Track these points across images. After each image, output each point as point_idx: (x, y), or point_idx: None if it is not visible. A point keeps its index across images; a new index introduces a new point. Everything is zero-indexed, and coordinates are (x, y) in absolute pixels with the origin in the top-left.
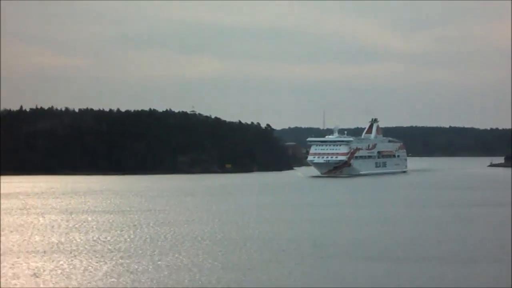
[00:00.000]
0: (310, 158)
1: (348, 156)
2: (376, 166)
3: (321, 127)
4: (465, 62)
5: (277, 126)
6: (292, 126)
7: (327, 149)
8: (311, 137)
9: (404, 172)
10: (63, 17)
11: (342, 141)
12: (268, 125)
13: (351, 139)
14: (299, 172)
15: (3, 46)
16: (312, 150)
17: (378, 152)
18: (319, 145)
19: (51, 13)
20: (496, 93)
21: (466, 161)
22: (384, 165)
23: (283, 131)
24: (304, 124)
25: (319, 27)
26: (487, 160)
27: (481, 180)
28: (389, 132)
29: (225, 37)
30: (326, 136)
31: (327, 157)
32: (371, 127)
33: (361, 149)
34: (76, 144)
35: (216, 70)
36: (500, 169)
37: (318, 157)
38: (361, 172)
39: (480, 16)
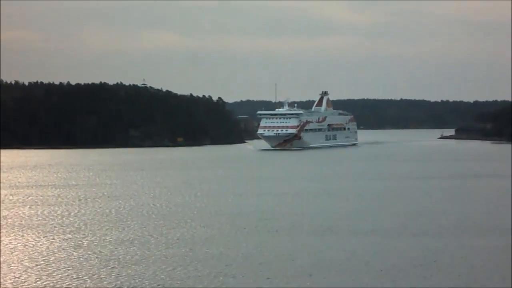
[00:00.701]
0: (260, 131)
1: (298, 129)
2: (326, 139)
3: (273, 100)
4: (416, 34)
5: (229, 99)
6: (244, 99)
7: (277, 122)
8: (262, 110)
9: (354, 144)
10: None
11: (292, 114)
12: (219, 98)
13: (301, 112)
14: (250, 146)
15: None
16: (262, 123)
17: (328, 125)
18: (269, 118)
19: None
20: (447, 65)
21: (417, 134)
22: (334, 137)
23: (236, 104)
24: (256, 98)
25: (274, 1)
26: (438, 132)
27: (429, 152)
28: (340, 105)
29: (177, 11)
30: (276, 109)
31: (277, 130)
32: (321, 100)
33: (311, 122)
34: (26, 118)
35: (167, 43)
36: (451, 141)
37: (268, 130)
38: (311, 145)
39: None
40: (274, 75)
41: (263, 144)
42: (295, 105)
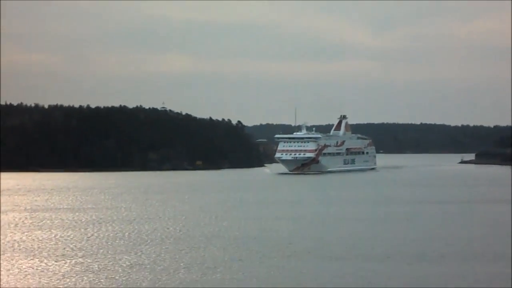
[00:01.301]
0: (277, 155)
1: (316, 153)
2: (345, 163)
3: (293, 124)
4: (436, 59)
5: (248, 123)
6: (264, 123)
7: (295, 146)
8: (279, 133)
9: (373, 169)
10: (33, 14)
11: (310, 138)
12: (239, 121)
13: (319, 135)
14: (268, 169)
15: None
16: (280, 147)
17: (347, 149)
18: (287, 142)
19: (21, 9)
20: (467, 90)
21: (437, 158)
22: (353, 162)
23: (255, 127)
24: (276, 121)
25: (292, 25)
26: (458, 157)
27: (450, 177)
28: (359, 129)
29: (196, 34)
30: (294, 133)
31: (295, 154)
32: (340, 123)
33: (329, 146)
34: (45, 141)
35: (187, 67)
36: (470, 165)
37: (286, 154)
38: (329, 169)
39: (452, 14)
40: (293, 99)
41: (281, 168)
42: (313, 129)
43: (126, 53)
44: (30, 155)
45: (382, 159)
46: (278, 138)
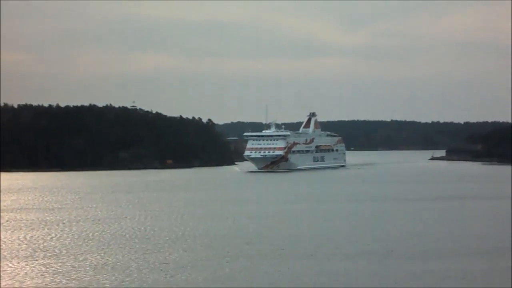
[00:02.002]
0: (246, 153)
1: (285, 150)
2: (314, 161)
3: (264, 122)
4: (408, 56)
5: (219, 121)
6: (235, 120)
7: (264, 144)
8: (248, 131)
9: (343, 166)
10: (7, 12)
11: (279, 135)
12: (209, 120)
13: (288, 133)
14: (237, 167)
15: None
16: (249, 145)
17: (316, 147)
18: (256, 140)
19: None
20: (437, 86)
21: (408, 155)
22: (322, 159)
23: (226, 125)
24: (247, 119)
25: (263, 22)
26: (429, 153)
27: (418, 174)
28: (330, 126)
29: (169, 33)
30: (263, 131)
31: (264, 152)
32: (309, 121)
33: (299, 143)
34: (14, 141)
35: (158, 66)
36: (441, 162)
37: (255, 152)
38: (299, 167)
39: (425, 11)
40: (264, 97)
41: (252, 166)
42: (283, 126)
43: (97, 52)
44: (0, 156)
45: (353, 156)
46: (247, 136)
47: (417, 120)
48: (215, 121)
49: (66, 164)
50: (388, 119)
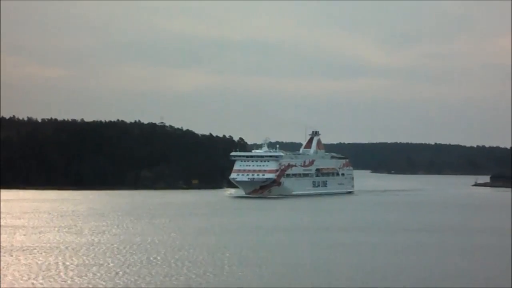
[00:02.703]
0: (233, 175)
1: (277, 173)
2: (314, 186)
3: (303, 142)
4: (451, 79)
5: (253, 140)
6: (273, 140)
7: (252, 166)
8: (236, 151)
9: (350, 192)
10: (41, 26)
11: (271, 156)
12: (241, 138)
13: (281, 153)
14: (228, 191)
15: None
16: (236, 166)
17: (317, 170)
18: (244, 161)
19: (32, 22)
20: (483, 110)
21: (450, 180)
22: (325, 184)
23: (272, 145)
24: (285, 139)
25: (304, 41)
26: (473, 178)
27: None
28: (369, 148)
29: (208, 51)
30: (253, 151)
31: (252, 175)
32: (310, 141)
33: (295, 165)
34: (32, 156)
35: (195, 84)
36: (484, 189)
37: (242, 175)
38: (295, 192)
39: (466, 32)
40: (303, 117)
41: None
42: (277, 146)
43: (135, 67)
44: (16, 171)
45: (390, 181)
46: (234, 156)
47: (462, 144)
48: (249, 140)
49: (85, 182)
50: (432, 142)
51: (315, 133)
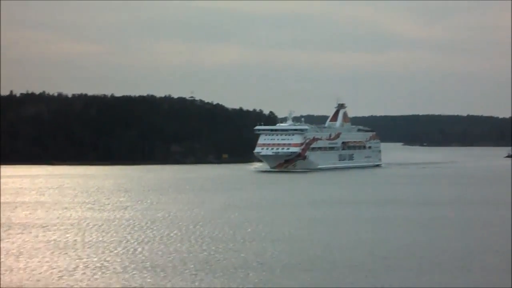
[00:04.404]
0: (257, 149)
1: (302, 147)
2: (340, 159)
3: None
4: (485, 49)
5: (285, 114)
6: (305, 114)
7: (277, 139)
8: (260, 125)
9: (378, 166)
10: (74, 2)
11: (295, 129)
12: (271, 112)
13: (306, 127)
14: (252, 166)
15: (15, 33)
16: (261, 140)
17: (343, 143)
18: (269, 135)
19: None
20: None
21: (483, 151)
22: (351, 158)
23: (297, 119)
24: (317, 112)
25: (338, 14)
26: (506, 150)
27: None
28: (403, 120)
29: (239, 25)
30: (278, 124)
31: (277, 148)
32: (336, 114)
33: (320, 139)
34: (61, 132)
35: (233, 58)
36: None
37: (267, 149)
38: (320, 166)
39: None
40: (335, 90)
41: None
42: (302, 119)
43: (166, 43)
44: (46, 147)
45: (422, 153)
46: (259, 130)
47: (495, 115)
48: (280, 114)
49: (115, 157)
50: (464, 114)
51: (341, 106)
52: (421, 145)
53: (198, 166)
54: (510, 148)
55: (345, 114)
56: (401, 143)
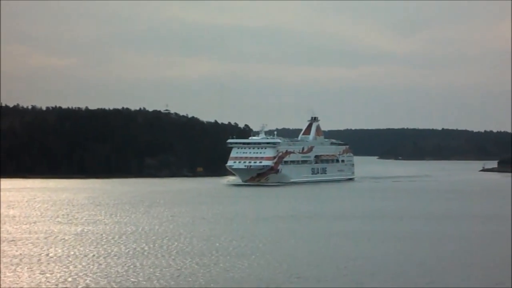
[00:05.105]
0: (229, 163)
1: (274, 160)
2: (313, 173)
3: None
4: (458, 64)
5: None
6: (280, 127)
7: (249, 153)
8: (232, 138)
9: (351, 179)
10: (52, 16)
11: (268, 143)
12: (246, 125)
13: (278, 140)
14: (227, 179)
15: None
16: (233, 153)
17: (316, 157)
18: (241, 148)
19: (40, 11)
20: (491, 95)
21: (457, 165)
22: (324, 171)
23: (269, 132)
24: (292, 126)
25: (310, 27)
26: (480, 164)
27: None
28: (375, 134)
29: (213, 39)
30: (250, 137)
31: (249, 162)
32: (309, 127)
33: (293, 152)
34: (35, 145)
35: (201, 72)
36: (492, 174)
37: (239, 162)
38: (293, 180)
39: (475, 17)
40: (310, 103)
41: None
42: (275, 133)
43: (140, 56)
44: (19, 160)
45: (395, 167)
46: (231, 143)
47: (469, 129)
48: (256, 128)
49: (89, 171)
50: (439, 128)
51: (314, 119)
52: (396, 158)
53: (172, 180)
54: (484, 161)
55: (318, 128)
56: (376, 157)
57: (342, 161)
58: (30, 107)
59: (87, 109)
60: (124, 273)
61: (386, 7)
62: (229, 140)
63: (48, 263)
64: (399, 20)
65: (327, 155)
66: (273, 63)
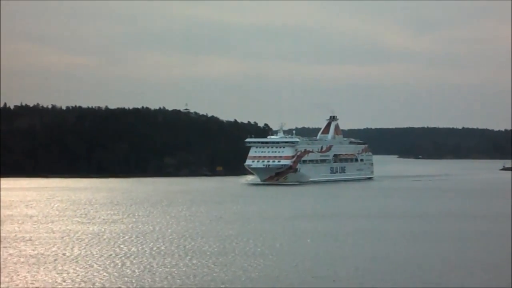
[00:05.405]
0: (248, 162)
1: (293, 160)
2: (332, 172)
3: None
4: (478, 62)
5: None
6: (300, 126)
7: (268, 152)
8: (251, 137)
9: (370, 178)
10: (73, 15)
11: (286, 142)
12: (266, 124)
13: (297, 139)
14: (245, 178)
15: (10, 45)
16: (251, 153)
17: (335, 156)
18: (259, 147)
19: (60, 11)
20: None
21: (477, 164)
22: (343, 170)
23: (288, 131)
24: (312, 125)
25: (330, 26)
26: (501, 163)
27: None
28: (394, 133)
29: (234, 37)
30: (269, 137)
31: (268, 161)
32: (328, 126)
33: (312, 151)
34: (55, 144)
35: (222, 70)
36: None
37: (257, 161)
38: (311, 179)
39: (492, 16)
40: (329, 102)
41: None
42: (293, 131)
43: (161, 55)
44: (39, 159)
45: (415, 166)
46: (249, 142)
47: (490, 127)
48: (275, 126)
49: (108, 170)
50: (459, 127)
51: (333, 118)
52: (416, 157)
53: (191, 179)
54: (504, 161)
55: (337, 127)
56: (396, 156)
57: (361, 160)
58: (50, 106)
59: (107, 109)
60: (141, 273)
61: (404, 6)
62: (248, 139)
63: (65, 263)
64: (418, 18)
65: (346, 154)
66: (291, 62)
